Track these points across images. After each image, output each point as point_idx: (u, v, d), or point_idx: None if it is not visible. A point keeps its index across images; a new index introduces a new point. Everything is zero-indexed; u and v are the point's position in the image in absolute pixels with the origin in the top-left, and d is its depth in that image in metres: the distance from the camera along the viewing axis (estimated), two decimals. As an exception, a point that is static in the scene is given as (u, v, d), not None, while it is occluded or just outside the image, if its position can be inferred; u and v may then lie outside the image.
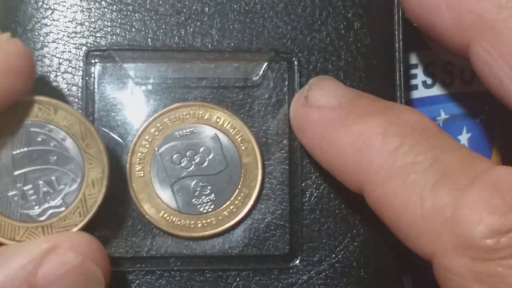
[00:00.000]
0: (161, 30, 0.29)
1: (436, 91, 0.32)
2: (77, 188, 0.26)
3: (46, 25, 0.28)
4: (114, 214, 0.28)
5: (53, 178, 0.26)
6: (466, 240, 0.22)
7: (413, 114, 0.25)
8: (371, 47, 0.30)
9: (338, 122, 0.25)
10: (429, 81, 0.32)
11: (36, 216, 0.26)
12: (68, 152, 0.26)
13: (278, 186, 0.29)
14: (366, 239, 0.29)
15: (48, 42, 0.28)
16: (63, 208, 0.26)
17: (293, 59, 0.29)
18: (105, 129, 0.28)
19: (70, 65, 0.28)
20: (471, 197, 0.22)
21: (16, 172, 0.25)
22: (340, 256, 0.28)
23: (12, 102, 0.25)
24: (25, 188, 0.25)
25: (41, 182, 0.26)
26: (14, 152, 0.25)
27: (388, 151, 0.24)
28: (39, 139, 0.26)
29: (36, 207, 0.26)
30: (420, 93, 0.32)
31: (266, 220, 0.28)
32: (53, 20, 0.28)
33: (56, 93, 0.28)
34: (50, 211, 0.26)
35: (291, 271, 0.28)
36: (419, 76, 0.32)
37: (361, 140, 0.25)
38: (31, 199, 0.25)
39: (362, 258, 0.28)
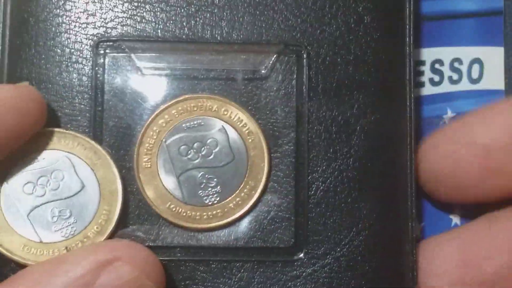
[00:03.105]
0: (171, 21, 0.29)
1: (443, 88, 0.32)
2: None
3: (58, 15, 0.29)
4: (121, 204, 0.28)
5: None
6: None
7: None
8: (380, 42, 0.29)
9: None
10: (436, 78, 0.32)
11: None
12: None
13: (284, 179, 0.29)
14: (372, 233, 0.29)
15: (60, 33, 0.29)
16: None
17: (302, 52, 0.29)
18: (114, 120, 0.28)
19: (80, 55, 0.28)
20: None
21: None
22: (345, 250, 0.28)
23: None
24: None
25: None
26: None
27: None
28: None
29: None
30: (427, 90, 0.32)
31: (271, 212, 0.28)
32: (65, 10, 0.29)
33: (66, 84, 0.28)
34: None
35: (295, 263, 0.28)
36: (426, 73, 0.32)
37: None
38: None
39: (367, 253, 0.28)
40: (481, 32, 0.32)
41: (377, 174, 0.29)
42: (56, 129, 0.27)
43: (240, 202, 0.28)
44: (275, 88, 0.29)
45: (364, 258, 0.28)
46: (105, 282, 0.24)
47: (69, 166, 0.27)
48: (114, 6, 0.29)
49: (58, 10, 0.29)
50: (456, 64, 0.32)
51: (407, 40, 0.30)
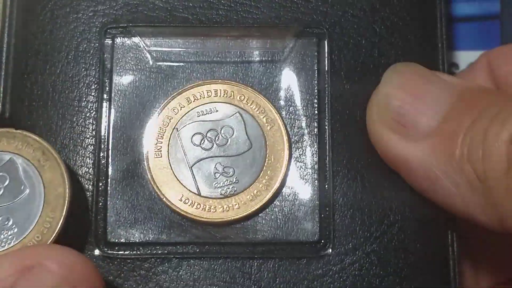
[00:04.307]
0: (183, 5, 0.27)
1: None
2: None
3: (65, 4, 0.27)
4: (131, 197, 0.26)
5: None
6: None
7: None
8: (408, 22, 0.27)
9: None
10: None
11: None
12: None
13: (306, 168, 0.26)
14: (405, 226, 0.26)
15: (68, 19, 0.27)
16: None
17: (324, 34, 0.27)
18: (121, 109, 0.27)
19: (88, 41, 0.27)
20: None
21: None
22: (375, 245, 0.26)
23: None
24: None
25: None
26: None
27: None
28: None
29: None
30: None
31: (293, 204, 0.26)
32: (73, -2, 0.28)
33: (75, 71, 0.27)
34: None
35: (321, 260, 0.25)
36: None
37: None
38: None
39: (401, 247, 0.26)
40: (478, 36, 0.33)
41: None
42: (5, 129, 0.25)
43: (258, 193, 0.26)
44: (294, 73, 0.27)
45: (398, 254, 0.26)
46: None
47: (14, 169, 0.24)
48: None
49: None
50: (453, 69, 0.32)
51: (439, 19, 0.28)
